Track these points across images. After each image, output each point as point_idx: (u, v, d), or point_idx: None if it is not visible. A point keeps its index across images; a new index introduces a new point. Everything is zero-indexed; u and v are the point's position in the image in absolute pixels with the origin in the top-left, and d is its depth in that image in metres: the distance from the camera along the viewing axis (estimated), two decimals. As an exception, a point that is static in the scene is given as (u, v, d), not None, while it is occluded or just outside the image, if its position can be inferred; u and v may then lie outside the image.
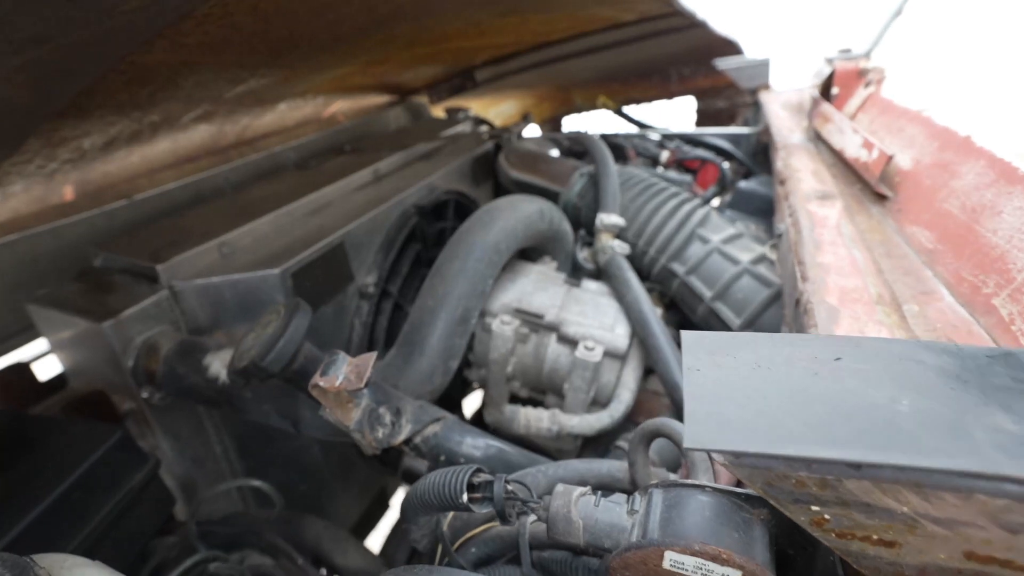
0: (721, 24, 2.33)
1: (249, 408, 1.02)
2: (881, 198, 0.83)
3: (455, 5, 1.19)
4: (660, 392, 1.41)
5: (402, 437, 0.82)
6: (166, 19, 0.62)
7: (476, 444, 0.85)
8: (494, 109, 3.34)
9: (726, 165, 1.83)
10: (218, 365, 1.03)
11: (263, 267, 1.20)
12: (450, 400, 1.66)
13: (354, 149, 2.01)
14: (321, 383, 0.68)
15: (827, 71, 1.06)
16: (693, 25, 2.12)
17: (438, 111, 2.80)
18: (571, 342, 1.17)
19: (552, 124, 3.45)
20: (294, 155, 2.06)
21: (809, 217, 0.86)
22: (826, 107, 1.05)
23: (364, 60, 1.58)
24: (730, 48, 2.61)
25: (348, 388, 0.68)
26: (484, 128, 2.50)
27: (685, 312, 1.43)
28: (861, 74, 1.01)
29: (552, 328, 1.19)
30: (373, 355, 0.72)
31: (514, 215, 1.12)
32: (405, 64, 1.88)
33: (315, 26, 0.98)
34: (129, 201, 1.39)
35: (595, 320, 1.19)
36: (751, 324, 1.25)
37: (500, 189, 2.23)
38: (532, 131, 3.26)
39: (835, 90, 1.04)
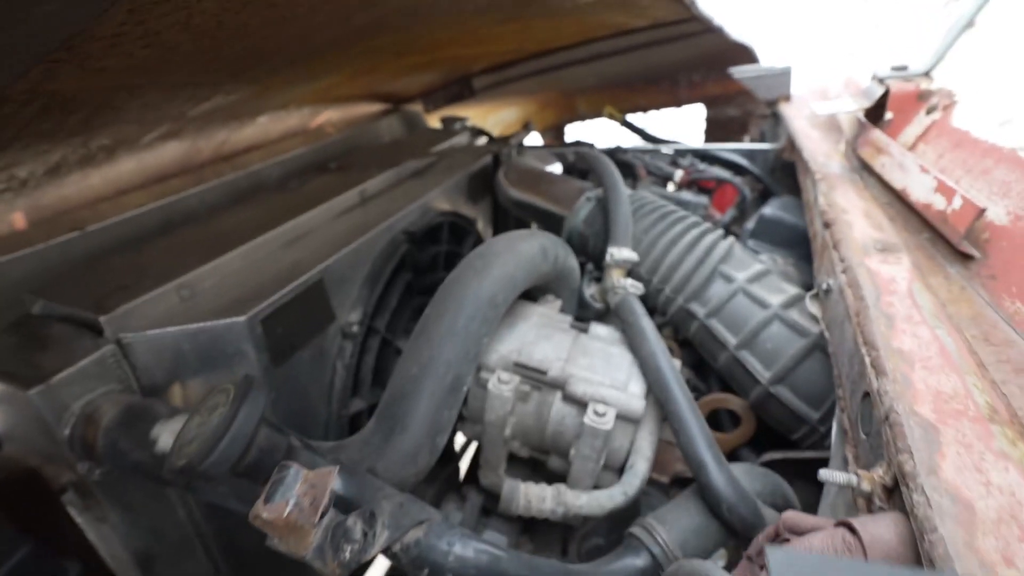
0: (736, 28, 2.18)
1: (203, 490, 0.87)
2: (963, 256, 0.68)
3: (447, 12, 1.04)
4: (674, 442, 1.26)
5: (377, 549, 0.67)
6: (43, 47, 0.48)
7: (466, 554, 0.70)
8: (493, 116, 3.18)
9: (746, 189, 1.67)
10: (168, 437, 0.88)
11: (228, 313, 1.05)
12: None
13: (340, 167, 1.86)
14: (265, 515, 0.53)
15: (878, 92, 0.91)
16: (708, 31, 1.97)
17: (434, 120, 2.64)
18: (578, 403, 1.02)
19: (555, 132, 3.30)
20: (277, 171, 1.90)
21: (870, 277, 0.71)
22: (878, 135, 0.90)
23: (349, 71, 1.43)
24: (744, 54, 2.45)
25: (300, 521, 0.53)
26: (482, 140, 2.35)
27: (706, 359, 1.28)
28: (921, 97, 0.86)
29: (556, 386, 1.04)
30: (333, 472, 0.57)
31: (513, 259, 0.97)
32: (396, 73, 1.73)
33: (279, 40, 0.83)
34: (82, 233, 1.23)
35: (606, 376, 1.03)
36: (783, 379, 1.10)
37: (499, 206, 2.08)
38: (533, 139, 3.10)
39: (888, 115, 0.89)
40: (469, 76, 2.26)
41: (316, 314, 1.25)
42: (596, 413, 0.96)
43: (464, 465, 1.60)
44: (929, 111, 0.83)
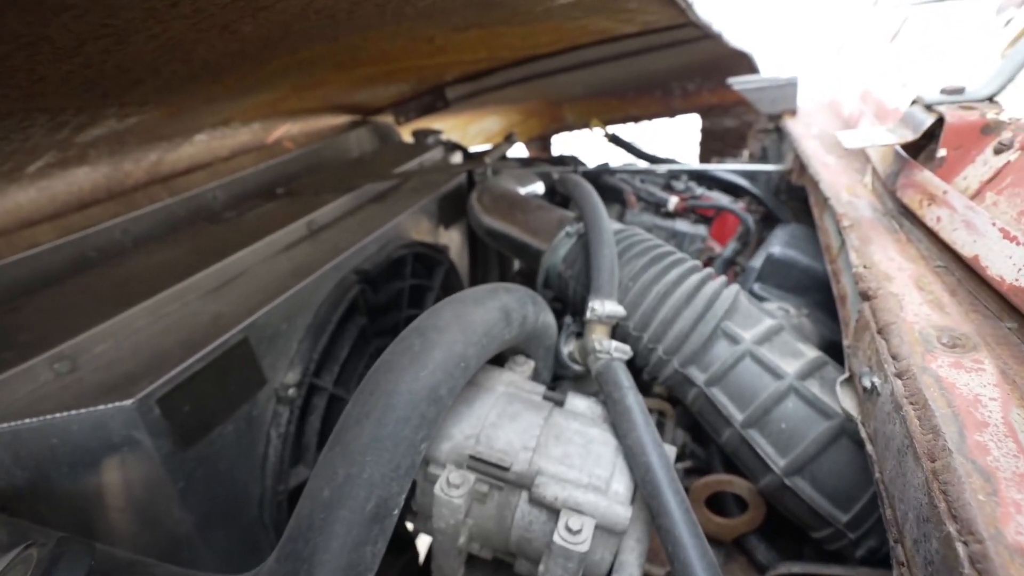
0: (734, 34, 1.98)
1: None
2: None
3: (379, 19, 0.83)
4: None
5: None
6: None
7: None
8: (475, 126, 2.98)
9: (750, 219, 1.47)
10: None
11: (113, 394, 0.84)
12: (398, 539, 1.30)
13: (288, 192, 1.64)
14: None
15: (926, 121, 0.71)
16: (705, 37, 1.77)
17: (407, 132, 2.43)
18: (548, 508, 0.81)
19: (540, 142, 3.09)
20: (222, 195, 1.69)
21: (941, 393, 0.50)
22: (928, 178, 0.70)
23: (286, 86, 1.22)
24: (743, 62, 2.26)
25: None
26: (457, 155, 2.14)
27: (707, 430, 1.07)
28: (988, 130, 0.66)
29: (521, 485, 0.83)
30: None
31: (463, 335, 0.76)
32: (351, 85, 1.52)
33: (139, 55, 0.62)
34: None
35: (583, 472, 0.83)
36: (800, 470, 0.89)
37: (474, 232, 1.88)
38: (518, 150, 2.89)
39: (941, 152, 0.69)
40: (442, 86, 2.05)
41: (240, 380, 1.04)
42: (569, 529, 0.75)
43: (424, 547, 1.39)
44: (999, 150, 0.64)
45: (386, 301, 1.45)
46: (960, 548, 0.40)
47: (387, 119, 2.43)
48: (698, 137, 2.79)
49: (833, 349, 1.03)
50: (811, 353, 0.97)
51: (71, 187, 1.37)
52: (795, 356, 0.97)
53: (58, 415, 0.81)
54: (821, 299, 1.17)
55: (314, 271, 1.21)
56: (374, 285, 1.39)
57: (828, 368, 0.95)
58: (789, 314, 1.12)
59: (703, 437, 1.24)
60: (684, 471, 1.21)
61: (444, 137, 2.23)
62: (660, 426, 1.25)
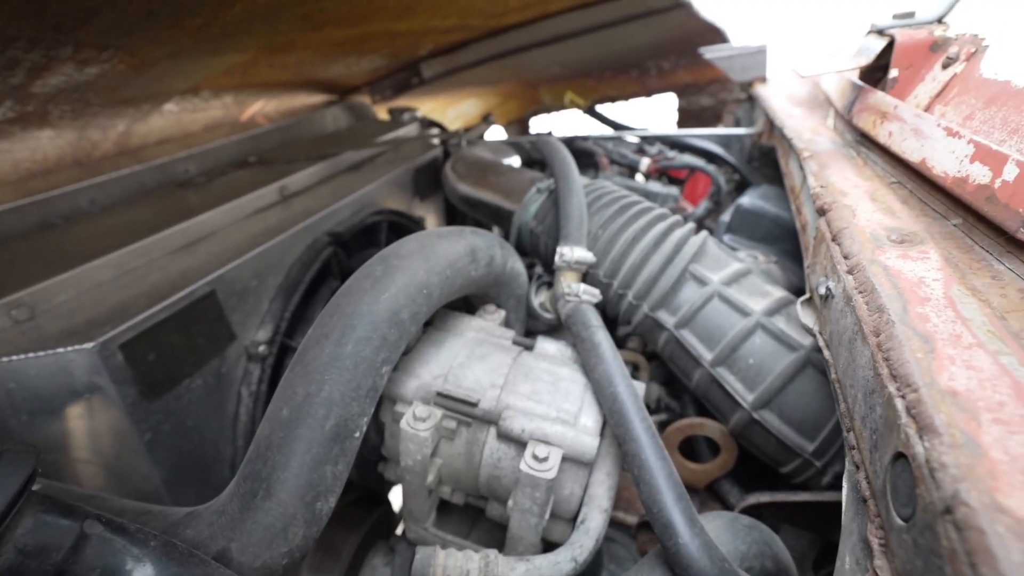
0: (705, 7, 2.00)
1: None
2: (1020, 246, 0.49)
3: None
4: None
5: None
6: None
7: None
8: (453, 109, 2.97)
9: (721, 178, 1.48)
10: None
11: (74, 338, 0.82)
12: (371, 495, 1.29)
13: (260, 160, 1.63)
14: None
15: (877, 46, 0.72)
16: (675, 6, 1.78)
17: (383, 112, 2.42)
18: (516, 442, 0.81)
19: (519, 126, 3.09)
20: (193, 166, 1.66)
21: (888, 278, 0.51)
22: (881, 98, 0.71)
23: (255, 46, 1.21)
24: (715, 36, 2.28)
25: None
26: (434, 131, 2.14)
27: (677, 375, 1.08)
28: (936, 47, 0.67)
29: (489, 420, 0.83)
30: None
31: (426, 263, 0.76)
32: (323, 52, 1.51)
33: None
34: None
35: (552, 407, 0.83)
36: (768, 403, 0.90)
37: (450, 204, 1.88)
38: (495, 133, 2.90)
39: (893, 72, 0.70)
40: (416, 61, 2.04)
41: (208, 333, 1.03)
42: (535, 457, 0.75)
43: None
44: (946, 64, 0.65)
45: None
46: (899, 403, 0.41)
47: (363, 99, 2.42)
48: (675, 116, 2.81)
49: (801, 295, 1.05)
50: (778, 292, 0.98)
51: (35, 154, 1.34)
52: (762, 295, 0.98)
53: (15, 357, 0.79)
54: (790, 248, 1.18)
55: (286, 231, 1.20)
56: (347, 249, 1.38)
57: (794, 306, 0.96)
58: (758, 260, 1.14)
59: (677, 391, 1.25)
60: (659, 424, 1.22)
61: (419, 115, 2.22)
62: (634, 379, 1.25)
